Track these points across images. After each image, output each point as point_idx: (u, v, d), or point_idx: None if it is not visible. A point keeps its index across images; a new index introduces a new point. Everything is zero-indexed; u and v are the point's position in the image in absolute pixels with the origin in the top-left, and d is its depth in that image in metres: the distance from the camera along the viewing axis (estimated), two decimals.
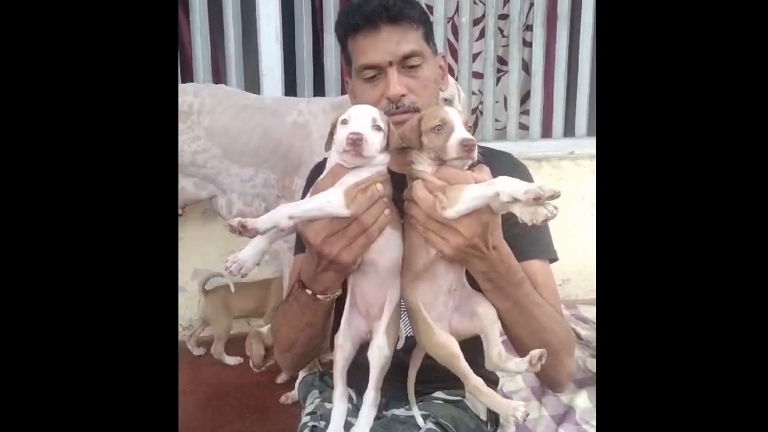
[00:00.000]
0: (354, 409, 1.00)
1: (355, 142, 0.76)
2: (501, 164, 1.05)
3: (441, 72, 1.05)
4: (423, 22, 0.99)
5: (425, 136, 0.81)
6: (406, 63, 0.97)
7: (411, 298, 0.85)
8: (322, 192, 0.79)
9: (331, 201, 0.77)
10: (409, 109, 0.97)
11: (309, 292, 0.87)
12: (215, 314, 1.87)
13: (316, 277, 0.85)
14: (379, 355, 0.86)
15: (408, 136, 0.83)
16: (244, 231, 0.74)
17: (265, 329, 1.71)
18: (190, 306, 2.03)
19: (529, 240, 0.93)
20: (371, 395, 0.87)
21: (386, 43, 0.96)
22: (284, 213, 0.76)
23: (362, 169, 0.80)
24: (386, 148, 0.82)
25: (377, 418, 0.92)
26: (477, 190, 0.77)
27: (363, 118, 0.80)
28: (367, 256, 0.82)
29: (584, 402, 1.50)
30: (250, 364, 1.70)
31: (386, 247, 0.83)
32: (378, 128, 0.80)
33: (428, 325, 0.83)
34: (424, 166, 0.82)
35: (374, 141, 0.79)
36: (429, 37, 1.01)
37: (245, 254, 0.80)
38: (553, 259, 1.02)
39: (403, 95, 0.96)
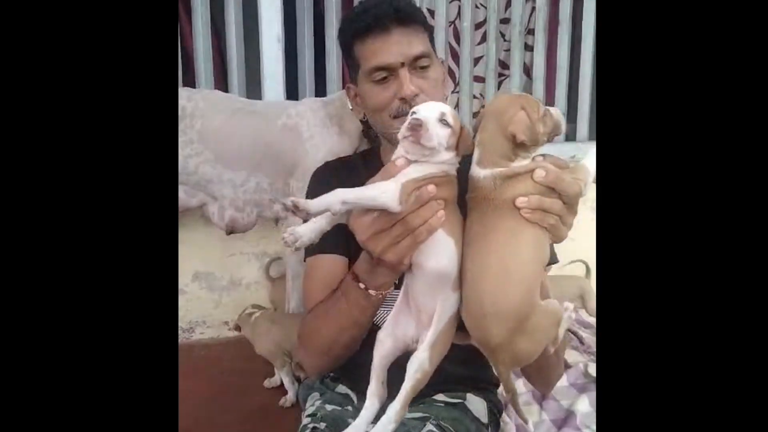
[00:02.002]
0: (354, 411, 1.00)
1: (414, 127, 0.74)
2: None
3: (444, 75, 1.09)
4: (427, 26, 1.03)
5: (539, 125, 0.78)
6: (416, 64, 0.98)
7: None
8: (380, 182, 0.77)
9: (386, 192, 0.75)
10: None
11: (362, 286, 0.85)
12: (280, 299, 1.88)
13: (372, 271, 0.83)
14: (418, 369, 0.80)
15: (531, 136, 0.77)
16: (296, 211, 0.72)
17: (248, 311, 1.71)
18: (190, 308, 2.03)
19: None
20: (396, 409, 0.81)
21: (398, 45, 0.97)
22: (338, 198, 0.73)
23: (424, 165, 0.78)
24: (456, 150, 0.80)
25: (377, 418, 0.92)
26: (592, 164, 0.78)
27: (431, 110, 0.78)
28: (414, 258, 0.80)
29: (585, 407, 1.49)
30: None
31: (435, 252, 0.79)
32: (445, 123, 0.78)
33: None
34: (526, 160, 0.78)
35: (437, 133, 0.76)
36: (432, 41, 1.05)
37: (304, 228, 0.78)
38: (553, 261, 1.03)
39: (416, 95, 0.97)
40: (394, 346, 0.84)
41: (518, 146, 0.77)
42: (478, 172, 0.79)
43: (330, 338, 0.92)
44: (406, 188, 0.75)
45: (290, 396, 1.53)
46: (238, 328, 1.70)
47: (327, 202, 0.73)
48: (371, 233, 0.77)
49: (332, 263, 1.03)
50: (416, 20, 0.99)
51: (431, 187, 0.76)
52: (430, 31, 1.04)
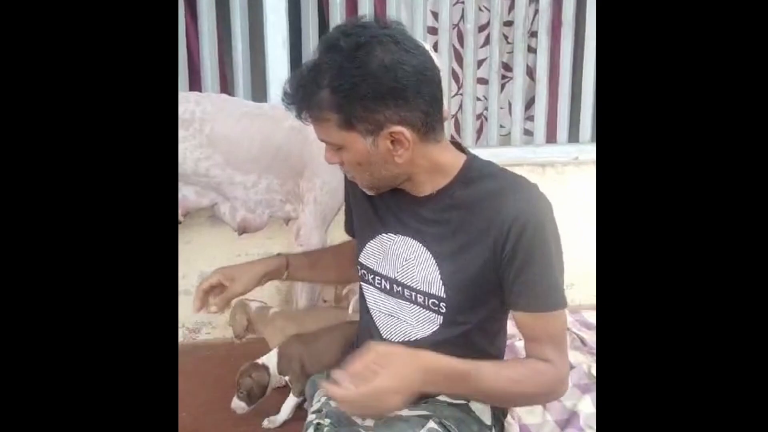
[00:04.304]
0: None
1: None
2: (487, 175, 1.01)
3: (399, 144, 0.93)
4: (335, 108, 0.90)
5: None
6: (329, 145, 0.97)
7: None
8: None
9: None
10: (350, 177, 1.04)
11: None
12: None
13: None
14: None
15: None
16: None
17: (253, 305, 1.68)
18: None
19: (520, 291, 0.96)
20: None
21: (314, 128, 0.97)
22: None
23: None
24: None
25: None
26: None
27: None
28: None
29: (588, 407, 1.50)
30: (233, 335, 1.67)
31: None
32: None
33: None
34: None
35: None
36: (350, 119, 0.91)
37: None
38: (552, 308, 0.97)
39: (336, 163, 0.99)
40: None
41: None
42: None
43: None
44: None
45: (280, 416, 1.50)
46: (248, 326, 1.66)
47: None
48: None
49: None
50: (312, 116, 0.93)
51: None
52: (344, 111, 0.90)
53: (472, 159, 1.02)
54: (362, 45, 0.87)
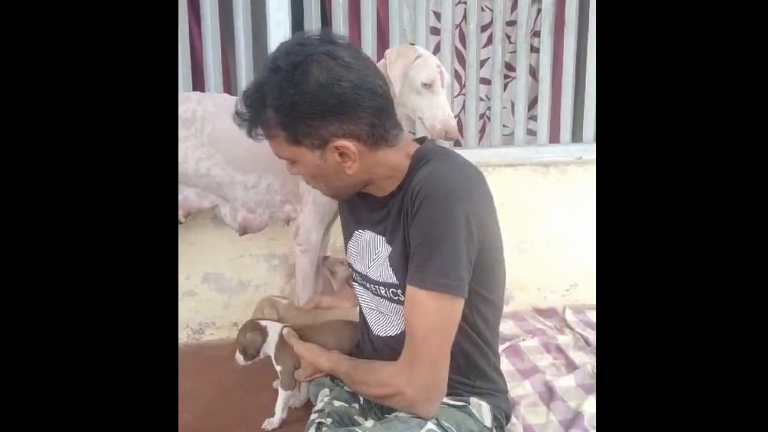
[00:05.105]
0: (360, 408, 1.02)
1: None
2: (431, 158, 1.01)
3: (347, 157, 0.95)
4: (281, 126, 0.94)
5: None
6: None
7: None
8: None
9: None
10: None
11: None
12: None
13: None
14: None
15: None
16: None
17: (282, 301, 1.58)
18: (200, 310, 2.05)
19: (415, 267, 0.93)
20: None
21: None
22: None
23: None
24: None
25: (380, 418, 0.94)
26: None
27: None
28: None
29: (592, 407, 1.49)
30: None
31: None
32: None
33: None
34: None
35: None
36: (296, 136, 0.94)
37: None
38: (420, 285, 0.93)
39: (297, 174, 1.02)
40: None
41: None
42: None
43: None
44: None
45: (276, 418, 1.48)
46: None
47: None
48: None
49: None
50: (263, 134, 0.97)
51: None
52: (291, 128, 0.93)
53: (420, 149, 1.02)
54: (299, 64, 0.89)
